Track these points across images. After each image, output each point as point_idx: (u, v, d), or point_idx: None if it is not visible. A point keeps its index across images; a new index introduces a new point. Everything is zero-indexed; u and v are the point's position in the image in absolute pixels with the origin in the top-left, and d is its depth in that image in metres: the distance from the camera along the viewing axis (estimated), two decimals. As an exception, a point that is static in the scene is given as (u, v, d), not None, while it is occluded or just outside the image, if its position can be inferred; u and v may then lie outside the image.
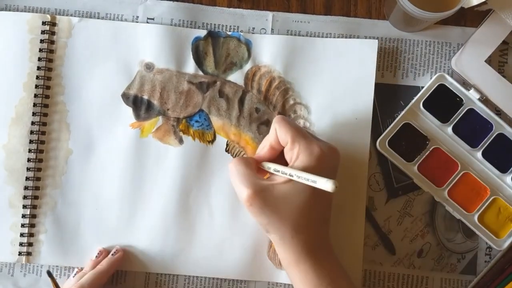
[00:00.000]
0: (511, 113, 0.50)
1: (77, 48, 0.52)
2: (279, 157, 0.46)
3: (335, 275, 0.43)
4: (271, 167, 0.44)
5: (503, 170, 0.50)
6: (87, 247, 0.50)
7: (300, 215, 0.42)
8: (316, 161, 0.42)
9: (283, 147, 0.44)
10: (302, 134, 0.43)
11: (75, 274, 0.50)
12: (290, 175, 0.42)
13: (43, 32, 0.51)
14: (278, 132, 0.44)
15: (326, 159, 0.43)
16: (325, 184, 0.38)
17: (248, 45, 0.52)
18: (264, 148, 0.45)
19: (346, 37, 0.52)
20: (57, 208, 0.51)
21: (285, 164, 0.45)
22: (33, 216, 0.50)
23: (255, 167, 0.45)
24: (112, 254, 0.50)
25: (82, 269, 0.50)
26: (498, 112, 0.51)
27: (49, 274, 0.47)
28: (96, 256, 0.50)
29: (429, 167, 0.50)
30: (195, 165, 0.51)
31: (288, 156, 0.44)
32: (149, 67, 0.51)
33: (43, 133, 0.51)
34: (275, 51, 0.51)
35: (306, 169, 0.42)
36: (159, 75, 0.52)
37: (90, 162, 0.51)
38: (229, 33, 0.52)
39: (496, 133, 0.50)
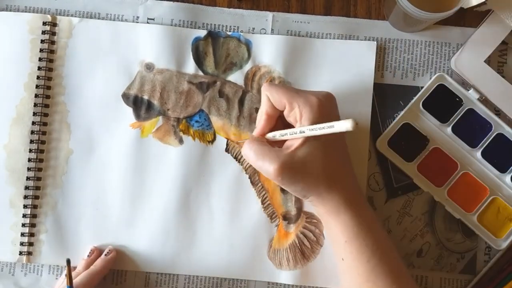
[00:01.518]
0: (510, 113, 0.50)
1: (78, 48, 0.52)
2: (277, 126, 0.46)
3: (372, 222, 0.44)
4: (277, 134, 0.44)
5: (502, 170, 0.50)
6: (87, 247, 0.51)
7: (328, 168, 0.43)
8: (320, 111, 0.43)
9: (279, 112, 0.45)
10: (296, 91, 0.44)
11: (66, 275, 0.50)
12: (301, 132, 0.42)
13: (43, 32, 0.51)
14: (271, 98, 0.44)
15: (327, 105, 0.44)
16: (344, 124, 0.37)
17: (248, 45, 0.52)
18: (261, 120, 0.46)
19: (346, 37, 0.52)
20: (58, 208, 0.51)
21: (286, 128, 0.45)
22: (33, 215, 0.51)
23: (266, 142, 0.45)
24: (106, 254, 0.50)
25: (75, 268, 0.50)
26: (497, 112, 0.51)
27: (68, 262, 0.46)
28: (88, 255, 0.50)
29: (429, 167, 0.51)
30: (195, 165, 0.51)
31: (291, 118, 0.44)
32: (149, 67, 0.52)
33: (44, 133, 0.51)
34: (275, 51, 0.52)
35: (314, 122, 0.42)
36: (159, 75, 0.52)
37: (90, 162, 0.51)
38: (229, 33, 0.52)
39: (496, 133, 0.50)
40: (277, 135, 0.44)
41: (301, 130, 0.42)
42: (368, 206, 0.46)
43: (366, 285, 0.43)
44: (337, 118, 0.45)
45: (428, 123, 0.51)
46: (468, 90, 0.51)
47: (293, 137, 0.43)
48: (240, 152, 0.51)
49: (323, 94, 0.44)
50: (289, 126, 0.45)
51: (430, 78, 0.51)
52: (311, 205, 0.46)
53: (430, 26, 0.52)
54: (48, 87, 0.51)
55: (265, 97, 0.45)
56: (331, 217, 0.44)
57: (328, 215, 0.44)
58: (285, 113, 0.44)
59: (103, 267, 0.49)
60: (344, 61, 0.52)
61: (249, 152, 0.44)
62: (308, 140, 0.42)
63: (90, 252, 0.50)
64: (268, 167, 0.42)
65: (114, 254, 0.50)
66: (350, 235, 0.43)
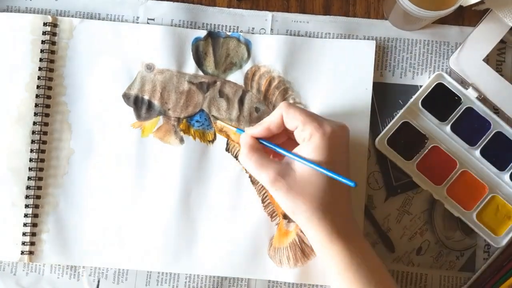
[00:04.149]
0: (509, 111, 0.51)
1: (78, 49, 0.52)
2: (281, 137, 0.47)
3: (365, 254, 0.44)
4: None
5: (501, 168, 0.51)
6: (89, 246, 0.51)
7: (325, 194, 0.43)
8: (329, 140, 0.43)
9: (280, 131, 0.46)
10: (312, 115, 0.44)
11: None
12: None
13: (44, 33, 0.52)
14: (285, 117, 0.44)
15: (338, 137, 0.44)
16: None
17: (247, 45, 0.52)
18: (260, 125, 0.46)
19: (345, 37, 0.53)
20: (59, 207, 0.51)
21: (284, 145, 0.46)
22: (35, 215, 0.51)
23: (265, 152, 0.45)
24: None
25: None
26: (496, 110, 0.52)
27: None
28: None
29: (428, 165, 0.51)
30: (196, 165, 0.51)
31: (299, 138, 0.45)
32: (149, 67, 0.52)
33: (45, 133, 0.51)
34: (274, 51, 0.52)
35: (321, 148, 0.43)
36: (160, 75, 0.52)
37: (91, 162, 0.51)
38: (229, 33, 0.52)
39: (494, 131, 0.51)
40: (274, 145, 0.46)
41: (299, 160, 0.43)
42: (362, 238, 0.45)
43: None
44: (345, 153, 0.45)
45: (427, 122, 0.51)
46: (467, 89, 0.51)
47: (284, 153, 0.44)
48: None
49: (338, 125, 0.44)
50: (293, 141, 0.46)
51: (429, 77, 0.52)
52: (301, 228, 0.45)
53: (428, 25, 0.52)
54: (49, 87, 0.52)
55: (278, 113, 0.45)
56: (322, 246, 0.43)
57: (318, 243, 0.44)
58: (296, 132, 0.45)
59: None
60: (343, 61, 0.52)
61: (248, 160, 0.44)
62: (311, 160, 0.43)
63: None
64: (264, 176, 0.43)
65: None
66: (341, 266, 0.43)
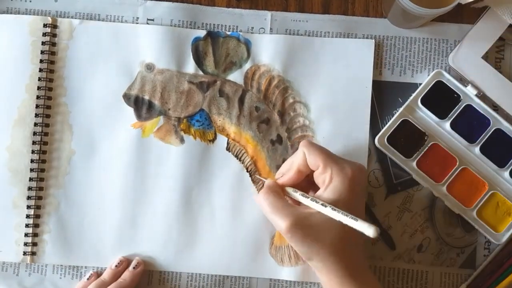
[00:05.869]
0: (508, 108, 0.51)
1: (79, 50, 0.52)
2: (302, 180, 0.46)
3: None
4: (298, 193, 0.44)
5: (501, 165, 0.51)
6: (90, 246, 0.51)
7: (339, 239, 0.42)
8: (350, 183, 0.43)
9: (310, 171, 0.45)
10: (332, 157, 0.44)
11: (89, 278, 0.50)
12: (323, 205, 0.41)
13: (44, 34, 0.52)
14: (308, 156, 0.44)
15: (357, 179, 0.44)
16: (367, 229, 0.38)
17: (247, 44, 0.52)
18: (290, 172, 0.46)
19: (344, 36, 0.53)
20: (61, 208, 0.51)
21: (308, 187, 0.46)
22: (37, 216, 0.51)
23: (282, 193, 0.45)
24: (134, 267, 0.50)
25: (97, 273, 0.50)
26: (495, 107, 0.52)
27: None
28: (116, 266, 0.50)
29: (428, 163, 0.51)
30: (196, 164, 0.51)
31: (319, 180, 0.44)
32: (149, 67, 0.52)
33: (46, 134, 0.51)
34: (274, 50, 0.52)
35: (341, 194, 0.42)
36: (160, 76, 0.52)
37: (92, 163, 0.52)
38: (228, 33, 0.53)
39: (494, 128, 0.51)
40: (297, 194, 0.44)
41: (324, 204, 0.42)
42: (369, 273, 0.45)
43: None
44: (363, 196, 0.45)
45: (427, 120, 0.52)
46: (466, 86, 0.51)
47: (310, 205, 0.43)
48: (241, 150, 0.52)
49: (357, 167, 0.44)
50: (312, 184, 0.46)
51: (428, 75, 0.52)
52: (315, 271, 0.45)
53: (427, 23, 0.53)
54: (50, 89, 0.52)
55: (301, 153, 0.45)
56: None
57: (330, 286, 0.43)
58: (315, 173, 0.45)
59: (132, 281, 0.49)
60: (343, 59, 0.52)
61: (263, 202, 0.44)
62: (331, 203, 0.42)
63: (119, 263, 0.50)
64: (279, 223, 0.42)
65: (142, 267, 0.50)
66: None
